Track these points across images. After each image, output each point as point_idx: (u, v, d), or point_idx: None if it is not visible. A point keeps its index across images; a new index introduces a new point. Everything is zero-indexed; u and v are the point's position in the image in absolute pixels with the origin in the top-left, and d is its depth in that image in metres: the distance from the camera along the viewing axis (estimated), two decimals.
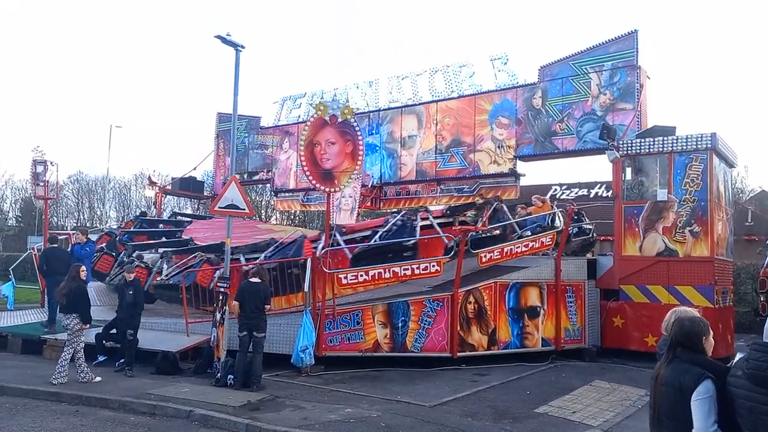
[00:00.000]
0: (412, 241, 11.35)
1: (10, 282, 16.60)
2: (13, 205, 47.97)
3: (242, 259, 11.83)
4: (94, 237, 16.97)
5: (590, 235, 13.35)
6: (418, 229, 11.87)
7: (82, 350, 8.93)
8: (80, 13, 77.66)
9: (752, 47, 63.46)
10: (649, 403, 3.34)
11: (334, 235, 11.56)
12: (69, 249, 13.24)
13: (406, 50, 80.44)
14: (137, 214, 21.21)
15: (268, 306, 9.08)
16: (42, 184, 15.31)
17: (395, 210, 16.20)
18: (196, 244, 13.78)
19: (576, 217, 12.86)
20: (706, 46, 70.75)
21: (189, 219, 18.80)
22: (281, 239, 12.77)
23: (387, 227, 12.01)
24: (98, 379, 8.83)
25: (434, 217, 12.94)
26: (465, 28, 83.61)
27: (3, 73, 68.34)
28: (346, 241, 11.82)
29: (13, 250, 31.73)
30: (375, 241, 11.56)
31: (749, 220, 23.50)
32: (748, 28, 66.55)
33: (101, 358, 10.13)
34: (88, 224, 43.32)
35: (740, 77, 60.58)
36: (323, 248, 10.56)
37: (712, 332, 3.26)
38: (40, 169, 15.23)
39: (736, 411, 2.90)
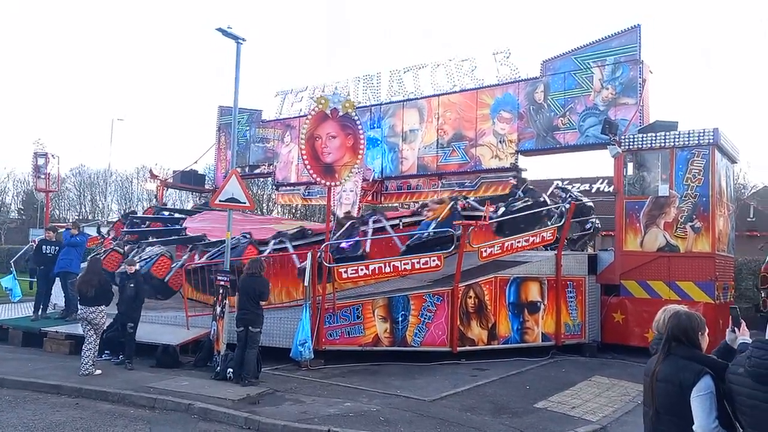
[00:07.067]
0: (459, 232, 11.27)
1: (11, 275, 16.57)
2: (15, 198, 48.25)
3: (290, 247, 11.67)
4: (92, 231, 16.92)
5: (591, 230, 13.32)
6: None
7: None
8: (83, 6, 77.55)
9: (754, 42, 63.19)
10: (644, 400, 3.30)
11: (380, 220, 11.52)
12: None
13: (411, 47, 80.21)
14: (125, 212, 20.78)
15: (263, 301, 8.96)
16: (43, 176, 15.34)
17: (413, 202, 16.31)
18: (208, 240, 13.50)
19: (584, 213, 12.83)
20: (709, 40, 70.46)
21: (181, 215, 18.34)
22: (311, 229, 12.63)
23: (443, 215, 11.76)
24: (98, 372, 8.87)
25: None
26: (468, 24, 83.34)
27: (5, 67, 68.38)
28: (375, 230, 11.80)
29: (15, 243, 31.79)
30: (426, 230, 11.46)
31: (751, 216, 23.48)
32: (750, 22, 66.22)
33: (106, 355, 9.99)
34: (89, 217, 43.38)
35: (743, 72, 60.36)
36: (328, 242, 10.48)
37: (707, 328, 3.24)
38: (41, 161, 15.26)
39: (737, 408, 2.88)
